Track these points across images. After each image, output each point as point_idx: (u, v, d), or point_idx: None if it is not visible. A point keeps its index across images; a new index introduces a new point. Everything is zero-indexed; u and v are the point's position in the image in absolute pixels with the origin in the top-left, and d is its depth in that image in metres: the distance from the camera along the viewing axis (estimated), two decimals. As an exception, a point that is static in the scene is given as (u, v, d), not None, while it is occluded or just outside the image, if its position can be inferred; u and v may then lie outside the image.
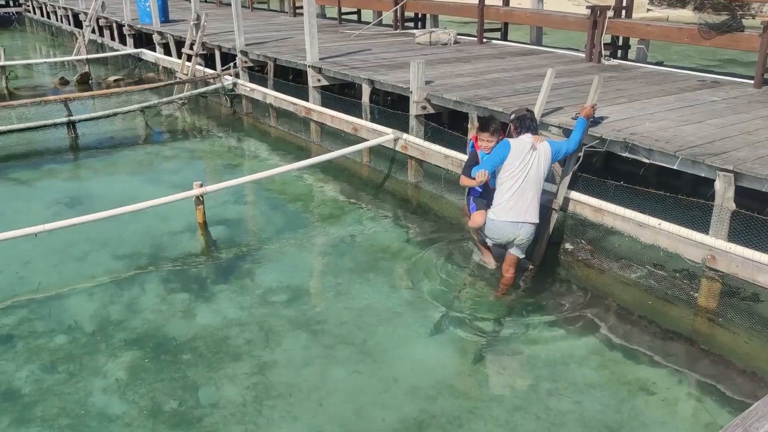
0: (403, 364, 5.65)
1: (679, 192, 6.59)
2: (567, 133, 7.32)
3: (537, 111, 7.41)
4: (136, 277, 7.23)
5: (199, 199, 8.04)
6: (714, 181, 6.14)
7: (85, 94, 13.40)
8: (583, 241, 7.14)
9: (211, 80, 14.55)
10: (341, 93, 12.62)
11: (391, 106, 11.53)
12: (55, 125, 11.93)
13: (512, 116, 6.59)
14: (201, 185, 7.98)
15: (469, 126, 8.65)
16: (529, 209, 6.24)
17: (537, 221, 6.34)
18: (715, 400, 5.19)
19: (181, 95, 14.39)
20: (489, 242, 6.67)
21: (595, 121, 7.26)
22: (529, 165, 6.19)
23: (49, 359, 5.77)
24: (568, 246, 7.25)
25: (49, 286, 7.05)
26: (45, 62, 21.43)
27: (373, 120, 10.47)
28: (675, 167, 6.47)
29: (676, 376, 5.47)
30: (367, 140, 9.74)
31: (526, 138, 6.33)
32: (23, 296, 6.83)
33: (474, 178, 6.22)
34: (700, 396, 5.26)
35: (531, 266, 6.92)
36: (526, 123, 6.44)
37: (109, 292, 6.90)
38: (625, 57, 12.88)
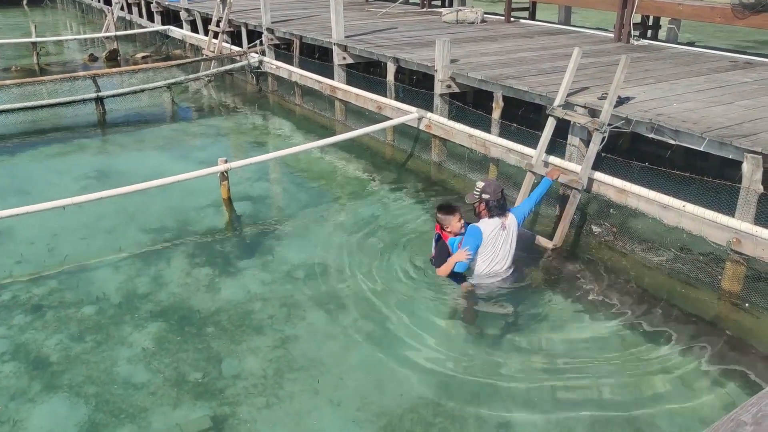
0: (423, 342, 5.68)
1: (705, 175, 6.51)
2: (592, 113, 7.25)
3: (563, 90, 7.34)
4: (162, 251, 7.35)
5: (224, 175, 8.12)
6: (741, 163, 6.05)
7: (114, 70, 13.54)
8: (605, 222, 7.09)
9: (237, 57, 14.60)
10: (366, 71, 12.59)
11: (415, 85, 11.49)
12: (83, 101, 12.09)
13: (486, 195, 6.11)
14: (225, 161, 8.06)
15: (494, 105, 8.60)
16: (508, 264, 6.29)
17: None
18: (736, 383, 5.16)
19: (207, 72, 14.47)
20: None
21: (621, 102, 7.18)
22: (500, 245, 6.15)
23: (77, 329, 5.92)
24: (590, 227, 7.20)
25: (78, 258, 7.20)
26: (75, 39, 21.70)
27: (397, 99, 10.44)
28: (701, 149, 6.38)
29: (697, 359, 5.44)
30: (391, 119, 9.73)
31: (494, 222, 6.12)
32: (52, 268, 6.99)
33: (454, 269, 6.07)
34: (722, 379, 5.22)
35: (552, 246, 6.89)
36: (500, 206, 6.13)
37: (135, 265, 7.03)
38: (655, 37, 12.69)
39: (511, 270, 6.28)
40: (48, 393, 5.10)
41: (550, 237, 6.93)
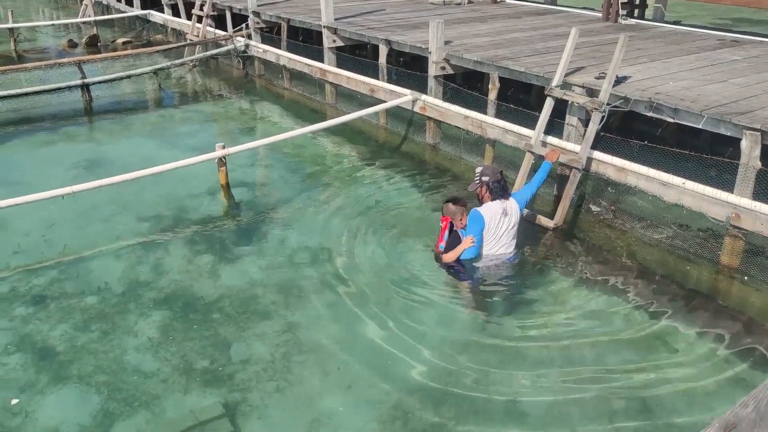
0: (428, 321, 5.72)
1: (696, 152, 6.59)
2: (590, 93, 7.29)
3: (560, 70, 7.36)
4: (161, 239, 7.29)
5: (222, 161, 8.06)
6: (733, 141, 6.13)
7: (99, 56, 13.32)
8: (605, 201, 7.16)
9: (223, 42, 14.43)
10: (352, 54, 12.53)
11: (403, 67, 11.45)
12: (69, 88, 11.88)
13: (485, 177, 6.21)
14: (223, 147, 7.99)
15: (490, 87, 8.61)
16: (511, 248, 6.34)
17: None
18: (737, 355, 5.26)
19: (192, 57, 14.29)
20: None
21: (618, 81, 7.22)
22: (502, 229, 6.19)
23: (82, 319, 5.87)
24: (589, 206, 7.27)
25: (76, 248, 7.12)
26: (52, 24, 21.23)
27: (389, 81, 10.40)
28: (700, 126, 6.45)
29: (697, 333, 5.54)
30: (385, 101, 9.70)
31: (496, 206, 6.17)
32: (51, 258, 6.91)
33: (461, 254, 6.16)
34: (722, 351, 5.32)
35: (554, 226, 6.94)
36: (501, 188, 6.22)
37: (135, 254, 6.97)
38: (642, 16, 12.73)
39: (513, 253, 6.32)
40: (57, 384, 5.06)
41: (550, 216, 6.97)
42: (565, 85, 7.41)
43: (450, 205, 6.26)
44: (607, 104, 6.85)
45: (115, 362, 5.30)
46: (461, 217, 6.23)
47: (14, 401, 4.88)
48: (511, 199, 6.28)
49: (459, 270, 6.23)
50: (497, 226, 6.13)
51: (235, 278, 6.49)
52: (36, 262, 6.84)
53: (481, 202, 6.23)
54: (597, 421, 4.60)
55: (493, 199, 6.18)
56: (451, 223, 6.25)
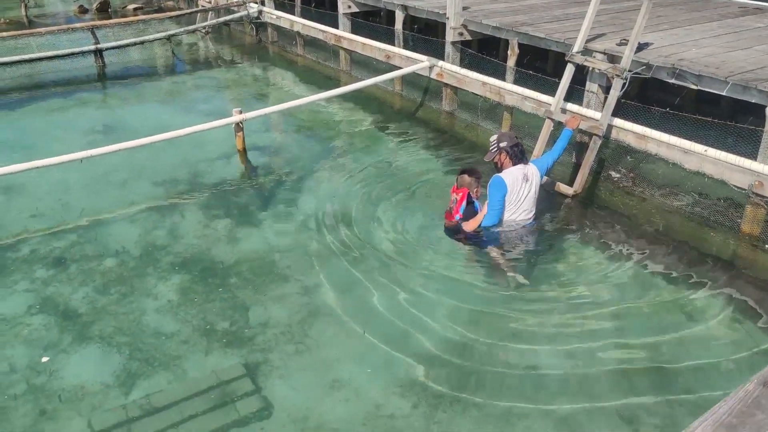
0: (445, 290, 5.71)
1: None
2: (611, 59, 7.18)
3: (581, 37, 7.25)
4: (178, 203, 7.31)
5: (239, 126, 8.02)
6: (764, 108, 6.04)
7: (112, 21, 13.22)
8: (624, 168, 7.10)
9: (236, 8, 14.28)
10: (364, 20, 12.35)
11: (418, 33, 11.31)
12: (83, 53, 11.82)
13: (503, 143, 6.16)
14: (240, 112, 7.95)
15: (509, 53, 8.49)
16: (532, 214, 6.30)
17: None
18: (756, 323, 5.24)
19: (205, 23, 14.17)
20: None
21: (640, 47, 7.10)
22: (523, 194, 6.13)
23: (102, 281, 5.90)
24: (609, 173, 7.21)
25: (93, 212, 7.14)
26: (62, -11, 21.06)
27: (406, 47, 10.29)
28: (724, 93, 6.35)
29: (717, 300, 5.51)
30: (401, 68, 9.60)
31: (517, 171, 6.11)
32: (69, 222, 6.94)
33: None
34: (742, 319, 5.30)
35: (573, 193, 6.89)
36: (520, 152, 6.20)
37: (152, 218, 6.99)
38: (662, -17, 12.45)
39: (533, 219, 6.29)
40: (80, 344, 5.11)
41: (570, 184, 6.92)
42: (586, 52, 7.30)
43: (465, 176, 6.20)
44: (629, 71, 6.74)
45: (135, 324, 5.34)
46: (477, 187, 6.19)
47: (45, 359, 4.94)
48: (531, 164, 6.24)
49: (478, 239, 6.21)
50: (519, 191, 6.09)
51: (253, 242, 6.50)
52: (54, 225, 6.87)
53: (500, 170, 6.18)
54: (617, 389, 4.60)
55: (513, 164, 6.13)
56: (468, 194, 6.21)
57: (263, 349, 5.04)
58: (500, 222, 6.15)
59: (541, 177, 6.32)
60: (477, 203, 6.28)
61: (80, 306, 5.57)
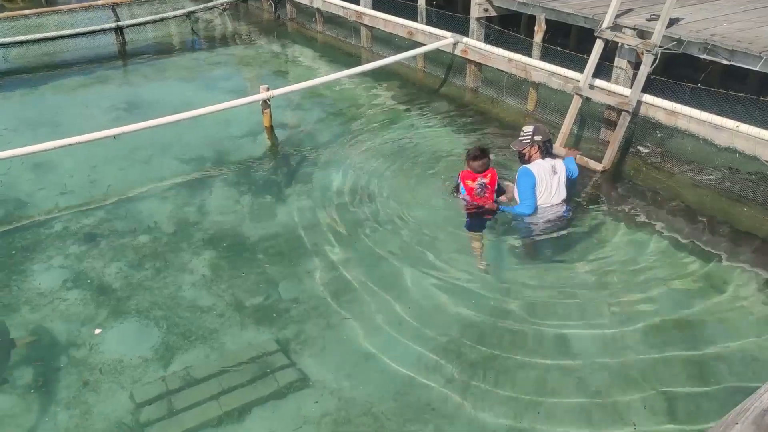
0: (472, 265, 5.73)
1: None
2: (641, 35, 7.11)
3: (611, 12, 7.17)
4: (205, 180, 7.35)
5: (266, 103, 8.02)
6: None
7: (131, -2, 13.19)
8: (652, 144, 7.06)
9: (254, -15, 14.20)
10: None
11: (436, 9, 11.21)
12: (104, 31, 11.82)
13: (538, 137, 6.08)
14: (267, 89, 7.94)
15: (536, 29, 8.42)
16: (563, 197, 6.23)
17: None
18: (791, 297, 5.24)
19: (223, 0, 14.10)
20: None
21: (671, 23, 7.02)
22: (554, 183, 6.08)
23: (135, 257, 5.97)
24: (638, 148, 7.17)
25: (121, 189, 7.18)
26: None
27: (428, 24, 10.22)
28: (757, 69, 6.28)
29: (749, 275, 5.50)
30: (424, 45, 9.54)
31: (545, 163, 6.07)
32: (98, 199, 6.99)
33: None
34: (775, 294, 5.30)
35: (602, 169, 6.87)
36: (550, 148, 6.19)
37: (181, 195, 7.04)
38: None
39: (566, 210, 6.23)
40: (117, 318, 5.19)
41: (599, 160, 6.90)
42: (615, 27, 7.23)
43: (487, 159, 6.11)
44: (660, 46, 6.68)
45: (170, 298, 5.41)
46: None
47: (97, 331, 5.03)
48: (558, 159, 6.21)
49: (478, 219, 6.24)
50: (549, 181, 6.06)
51: (280, 218, 6.54)
52: (84, 202, 6.93)
53: (527, 161, 6.12)
54: (648, 361, 4.63)
55: (543, 158, 6.10)
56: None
57: (296, 322, 5.10)
58: (536, 210, 6.13)
59: (567, 174, 6.24)
60: (499, 183, 6.27)
61: (115, 281, 5.64)
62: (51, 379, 4.58)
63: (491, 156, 6.24)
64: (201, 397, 4.43)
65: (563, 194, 6.19)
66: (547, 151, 6.12)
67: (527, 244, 6.08)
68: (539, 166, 6.04)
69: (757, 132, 6.06)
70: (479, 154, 6.09)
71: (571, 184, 6.39)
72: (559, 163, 6.15)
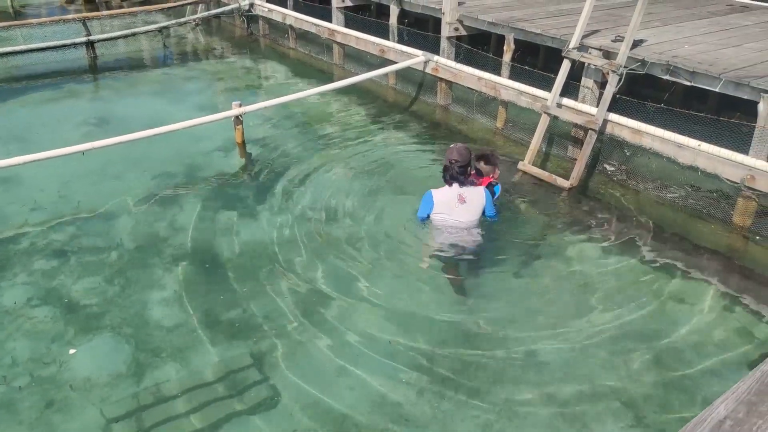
0: (437, 282, 5.83)
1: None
2: (606, 55, 7.30)
3: (578, 33, 7.37)
4: (176, 196, 7.32)
5: (239, 119, 8.05)
6: (753, 104, 6.21)
7: (105, 12, 13.14)
8: (618, 162, 7.24)
9: (227, 1, 14.25)
10: (355, 13, 12.38)
11: (407, 29, 11.38)
12: (75, 45, 11.74)
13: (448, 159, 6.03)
14: (240, 105, 7.97)
15: (504, 48, 8.60)
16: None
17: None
18: (748, 311, 5.40)
19: (196, 15, 14.13)
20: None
21: (635, 44, 7.24)
22: (454, 215, 6.09)
23: (104, 273, 5.92)
24: (605, 166, 7.35)
25: (91, 204, 7.12)
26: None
27: (400, 42, 10.36)
28: (717, 90, 6.50)
29: (710, 289, 5.67)
30: (395, 62, 9.67)
31: (452, 192, 6.04)
32: (68, 214, 6.92)
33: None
34: (734, 307, 5.45)
35: (569, 186, 7.02)
36: (462, 170, 5.98)
37: (153, 211, 7.00)
38: (650, -21, 12.63)
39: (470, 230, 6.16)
40: (86, 335, 5.13)
41: (565, 177, 7.05)
42: (582, 48, 7.42)
43: (482, 164, 6.28)
44: (624, 67, 6.87)
45: (140, 316, 5.36)
46: (494, 173, 6.32)
47: (72, 351, 4.97)
48: (478, 188, 6.10)
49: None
50: (451, 208, 6.08)
51: (252, 235, 6.53)
52: (54, 217, 6.86)
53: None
54: (613, 372, 4.74)
55: (449, 185, 6.09)
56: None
57: (268, 338, 5.10)
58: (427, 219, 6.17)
59: (486, 213, 6.13)
60: (498, 186, 6.40)
61: (84, 298, 5.58)
62: (14, 399, 4.51)
63: (478, 164, 6.36)
64: (172, 413, 4.41)
65: (467, 221, 6.08)
66: (453, 176, 5.93)
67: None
68: (443, 195, 6.02)
69: (717, 151, 6.26)
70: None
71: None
72: (473, 195, 6.00)
